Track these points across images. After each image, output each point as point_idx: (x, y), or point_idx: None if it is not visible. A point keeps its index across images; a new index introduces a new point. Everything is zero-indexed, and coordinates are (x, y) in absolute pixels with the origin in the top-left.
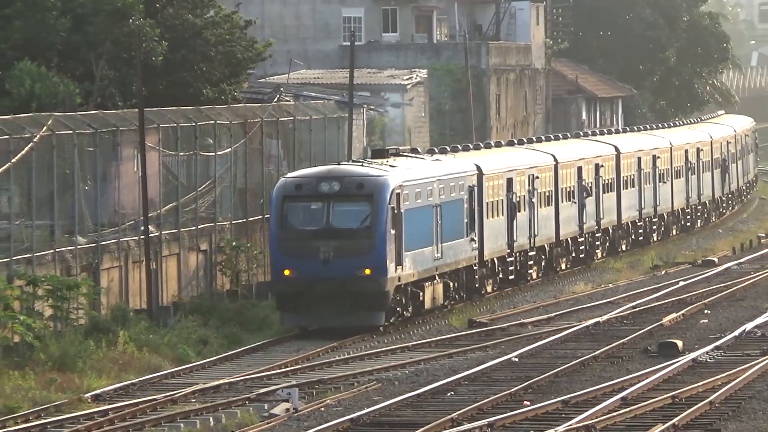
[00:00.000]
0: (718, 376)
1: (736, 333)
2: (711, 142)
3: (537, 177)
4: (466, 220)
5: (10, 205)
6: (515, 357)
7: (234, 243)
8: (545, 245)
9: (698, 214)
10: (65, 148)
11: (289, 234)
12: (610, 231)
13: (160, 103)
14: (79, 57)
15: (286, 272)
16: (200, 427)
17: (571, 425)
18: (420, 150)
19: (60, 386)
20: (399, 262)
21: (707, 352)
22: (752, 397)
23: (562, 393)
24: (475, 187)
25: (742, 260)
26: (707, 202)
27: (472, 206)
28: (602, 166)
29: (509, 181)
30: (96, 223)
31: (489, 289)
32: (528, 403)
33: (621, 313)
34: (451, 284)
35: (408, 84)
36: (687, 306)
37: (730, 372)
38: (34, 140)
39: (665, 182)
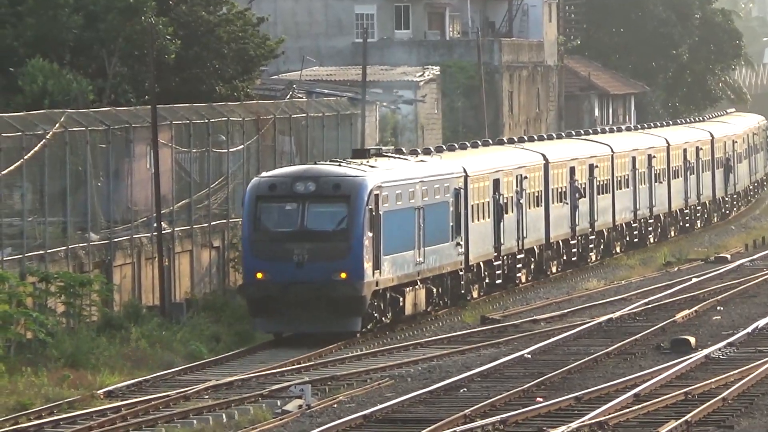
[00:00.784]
0: (731, 373)
1: (749, 329)
2: (712, 140)
3: (525, 177)
4: (451, 224)
5: (22, 201)
6: (528, 353)
7: None
8: (534, 248)
9: (698, 215)
10: (78, 145)
11: (262, 235)
12: (605, 233)
13: (173, 100)
14: (92, 54)
15: (259, 275)
16: (213, 423)
17: (583, 422)
18: (404, 150)
19: (72, 383)
20: (377, 266)
21: (720, 349)
22: (765, 393)
23: (574, 390)
24: (461, 190)
25: (755, 257)
26: (707, 202)
27: (458, 209)
28: (596, 166)
29: (496, 182)
30: (108, 219)
31: (475, 294)
32: (540, 399)
33: (634, 310)
34: (435, 290)
35: (421, 81)
36: (700, 302)
37: (743, 368)
38: (47, 137)
39: (661, 182)
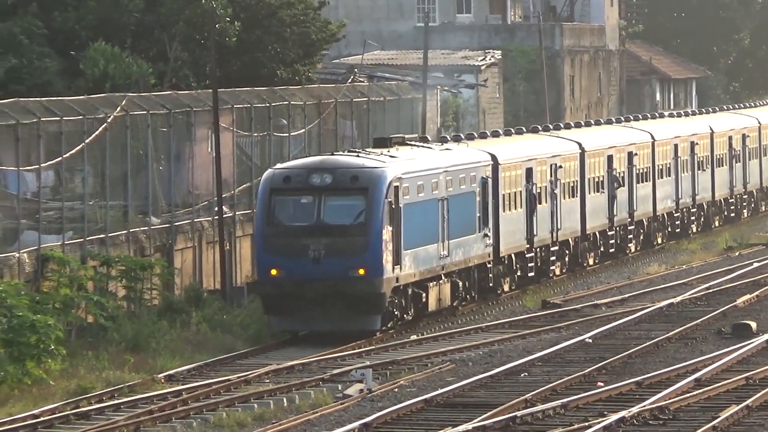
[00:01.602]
0: None
1: None
2: (759, 127)
3: (560, 166)
4: (478, 214)
5: (84, 185)
6: (589, 338)
7: None
8: (569, 239)
9: (743, 204)
10: (139, 129)
11: (276, 230)
12: (645, 223)
13: (234, 84)
14: (153, 38)
15: (273, 272)
16: (274, 407)
17: (644, 406)
18: (430, 138)
19: (133, 367)
20: (397, 261)
21: None
22: None
23: (635, 374)
24: (489, 179)
25: None
26: (754, 191)
27: (485, 199)
28: (636, 154)
29: (528, 171)
30: (170, 203)
31: (506, 287)
32: (602, 384)
33: (695, 295)
34: (461, 283)
35: (482, 65)
36: (761, 287)
37: None
38: (108, 120)
39: (705, 170)
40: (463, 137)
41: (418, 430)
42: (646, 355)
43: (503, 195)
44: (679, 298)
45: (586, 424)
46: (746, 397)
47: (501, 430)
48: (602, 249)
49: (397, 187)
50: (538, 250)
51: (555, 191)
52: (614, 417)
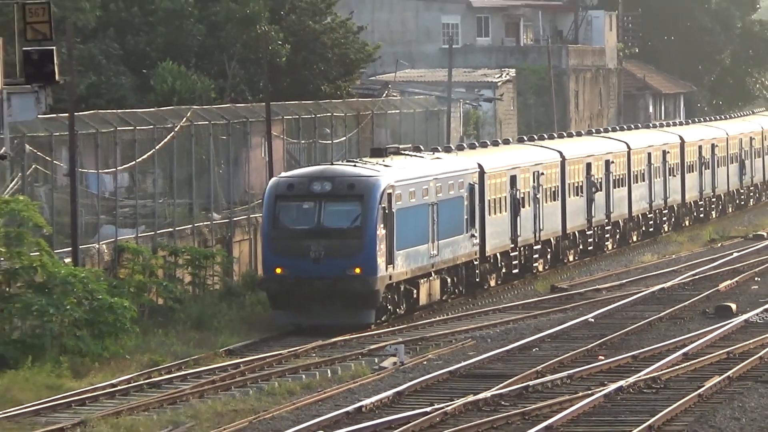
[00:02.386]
0: (767, 335)
1: None
2: (727, 138)
3: (542, 174)
4: (466, 217)
5: (154, 186)
6: (591, 318)
7: None
8: (551, 239)
9: (711, 206)
10: (202, 137)
11: (281, 233)
12: (621, 223)
13: (284, 98)
14: (214, 58)
15: (278, 270)
16: (319, 378)
17: (639, 377)
18: (422, 148)
19: (198, 343)
20: (390, 260)
21: (758, 314)
22: None
23: (632, 349)
24: (476, 185)
25: None
26: (722, 194)
27: (472, 203)
28: (612, 162)
29: (513, 178)
30: (229, 201)
31: (492, 283)
32: (602, 357)
33: (683, 280)
34: (449, 279)
35: (498, 82)
36: (740, 274)
37: None
38: (176, 130)
39: (675, 176)
40: (453, 148)
41: (444, 398)
42: (641, 333)
43: (489, 200)
44: (669, 284)
45: (589, 392)
46: (727, 369)
47: (515, 397)
48: (581, 247)
49: (390, 194)
50: (521, 248)
51: (537, 196)
52: (613, 386)
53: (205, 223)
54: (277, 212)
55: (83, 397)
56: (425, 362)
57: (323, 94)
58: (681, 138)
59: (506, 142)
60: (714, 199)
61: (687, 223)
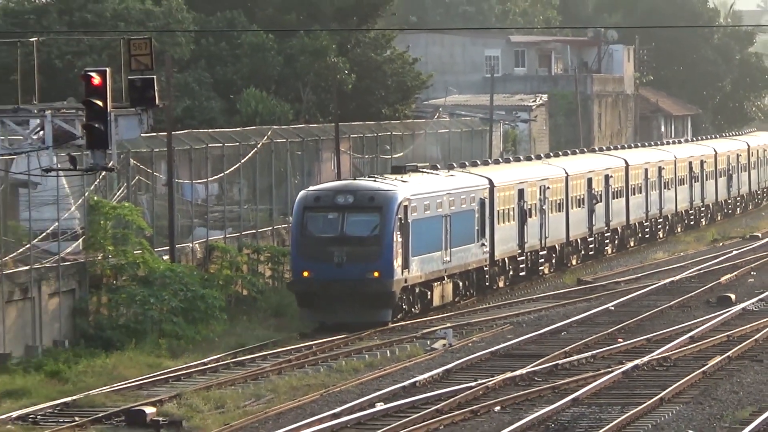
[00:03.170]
0: (762, 321)
1: None
2: (715, 155)
3: (548, 187)
4: (477, 228)
5: (240, 193)
6: (612, 306)
7: None
8: (556, 245)
9: (701, 214)
10: (280, 152)
11: (308, 240)
12: (619, 230)
13: (350, 119)
14: (290, 85)
15: (305, 273)
16: (380, 357)
17: (652, 356)
18: (439, 167)
19: (276, 327)
20: (406, 265)
21: (754, 303)
22: None
23: (646, 333)
24: (487, 199)
25: None
26: (710, 204)
27: (483, 215)
28: (611, 176)
29: (521, 192)
30: None
31: (501, 284)
32: (621, 340)
33: (689, 274)
34: (461, 283)
35: (533, 105)
36: (739, 269)
37: None
38: (258, 146)
39: (669, 189)
40: (467, 164)
41: (486, 374)
42: (654, 319)
43: (498, 211)
44: (677, 277)
45: (610, 369)
46: (728, 349)
47: (547, 374)
48: (583, 252)
49: (406, 206)
50: (528, 254)
51: (543, 207)
52: (630, 364)
53: (283, 225)
54: (305, 222)
55: (179, 374)
56: (470, 344)
57: (383, 116)
58: (674, 155)
59: (517, 159)
60: (704, 209)
61: (679, 229)
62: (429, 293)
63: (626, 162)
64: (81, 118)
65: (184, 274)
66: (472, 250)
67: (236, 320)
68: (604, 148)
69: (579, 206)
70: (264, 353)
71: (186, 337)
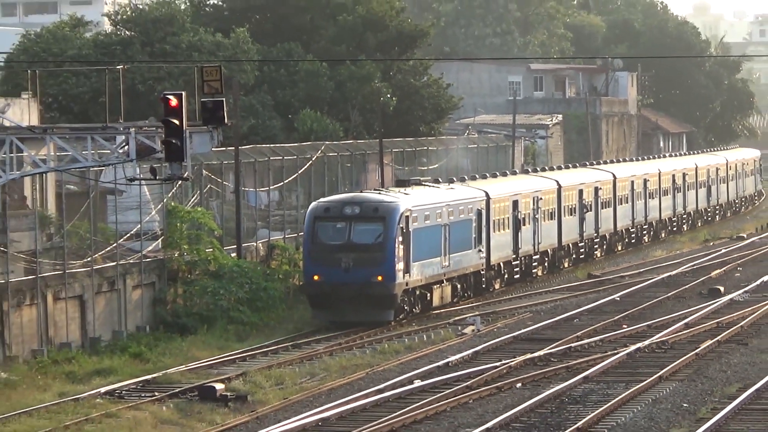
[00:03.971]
0: (747, 309)
1: (758, 282)
2: (696, 168)
3: (541, 198)
4: (474, 236)
5: (297, 200)
6: (618, 297)
7: None
8: (548, 250)
9: (683, 221)
10: (332, 164)
11: (318, 247)
12: (607, 236)
13: (392, 136)
14: (340, 107)
15: (316, 277)
16: (417, 341)
17: (653, 340)
18: (440, 180)
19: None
20: (407, 270)
21: (740, 294)
22: None
23: (647, 320)
24: (483, 209)
25: (762, 235)
26: (692, 212)
27: (480, 224)
28: (600, 188)
29: (515, 203)
30: None
31: (497, 286)
32: (625, 326)
33: (684, 270)
34: (459, 285)
35: (550, 124)
36: (727, 265)
37: (755, 306)
38: (313, 159)
39: (654, 199)
40: (467, 178)
41: (509, 355)
42: (654, 308)
43: (494, 220)
44: (674, 272)
45: (616, 351)
46: (717, 334)
47: (562, 355)
48: (574, 256)
49: (407, 216)
50: (522, 258)
51: (537, 216)
52: (633, 347)
53: None
54: (316, 230)
55: (244, 355)
56: (495, 329)
57: (421, 133)
58: (659, 169)
59: (513, 173)
60: (685, 216)
61: (663, 235)
62: (429, 295)
63: (614, 175)
64: (160, 135)
65: (249, 269)
66: (470, 256)
67: (294, 309)
68: (595, 162)
69: (571, 214)
70: (318, 337)
71: (250, 324)
